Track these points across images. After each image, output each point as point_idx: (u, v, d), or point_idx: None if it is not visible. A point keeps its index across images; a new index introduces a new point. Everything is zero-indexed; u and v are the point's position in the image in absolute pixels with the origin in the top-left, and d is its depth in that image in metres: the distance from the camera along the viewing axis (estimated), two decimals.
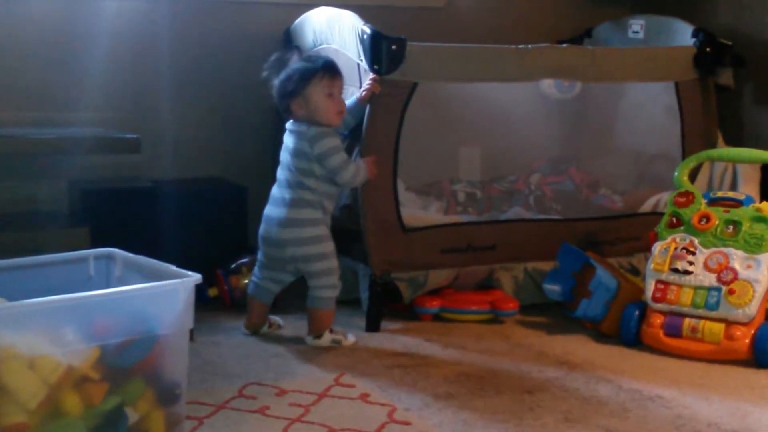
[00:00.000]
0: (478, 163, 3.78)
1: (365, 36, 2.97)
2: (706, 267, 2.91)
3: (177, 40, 3.56)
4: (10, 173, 3.34)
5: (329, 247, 2.89)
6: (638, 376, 2.69)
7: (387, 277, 3.08)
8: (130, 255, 2.31)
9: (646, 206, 3.55)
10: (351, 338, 2.93)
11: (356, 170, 2.88)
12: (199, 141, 3.65)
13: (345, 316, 3.10)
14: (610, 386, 2.60)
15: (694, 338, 2.85)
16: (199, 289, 2.23)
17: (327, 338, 2.89)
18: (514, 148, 3.70)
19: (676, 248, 2.97)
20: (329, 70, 2.87)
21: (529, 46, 3.20)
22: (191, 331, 2.19)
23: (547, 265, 3.25)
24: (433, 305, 3.16)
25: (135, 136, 3.20)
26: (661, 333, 2.89)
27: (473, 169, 3.76)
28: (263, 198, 2.96)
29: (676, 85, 3.49)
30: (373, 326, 3.06)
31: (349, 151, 2.99)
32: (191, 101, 3.62)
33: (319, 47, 3.29)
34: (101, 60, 3.42)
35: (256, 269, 2.98)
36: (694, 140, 3.50)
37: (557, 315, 3.20)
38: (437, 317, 3.17)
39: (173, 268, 2.18)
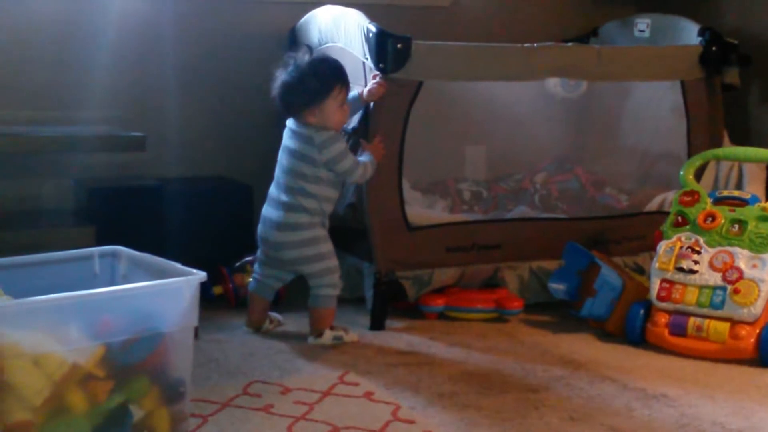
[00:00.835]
0: (484, 161, 3.78)
1: (371, 34, 2.97)
2: (712, 266, 2.90)
3: (183, 38, 3.56)
4: (16, 171, 3.35)
5: (326, 247, 2.90)
6: (643, 375, 2.68)
7: (392, 275, 3.08)
8: (135, 253, 2.32)
9: (652, 205, 3.55)
10: (353, 334, 2.93)
11: (364, 170, 2.90)
12: (204, 139, 3.65)
13: (350, 315, 3.11)
14: (614, 385, 2.60)
15: (699, 337, 2.85)
16: (204, 287, 2.22)
17: (328, 336, 2.89)
18: (520, 146, 3.69)
19: (681, 247, 2.96)
20: (345, 81, 2.89)
21: (535, 44, 3.19)
22: (196, 329, 2.19)
23: (552, 264, 3.25)
24: (438, 304, 3.16)
25: (140, 134, 3.21)
26: (666, 332, 2.89)
27: (479, 167, 3.76)
28: None
29: (682, 84, 3.48)
30: (377, 325, 3.06)
31: (353, 149, 2.99)
32: (197, 100, 3.62)
33: (325, 46, 3.29)
34: (107, 58, 3.43)
35: (256, 266, 2.99)
36: (699, 139, 3.50)
37: (562, 314, 3.20)
38: (442, 316, 3.17)
39: (178, 266, 2.18)
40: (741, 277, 2.85)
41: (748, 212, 2.96)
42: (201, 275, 2.12)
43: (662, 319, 2.90)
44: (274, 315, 3.05)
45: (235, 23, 3.65)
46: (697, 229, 2.99)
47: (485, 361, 2.77)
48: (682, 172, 3.14)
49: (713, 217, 2.98)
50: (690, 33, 3.58)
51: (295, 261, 2.89)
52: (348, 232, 3.14)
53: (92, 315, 1.97)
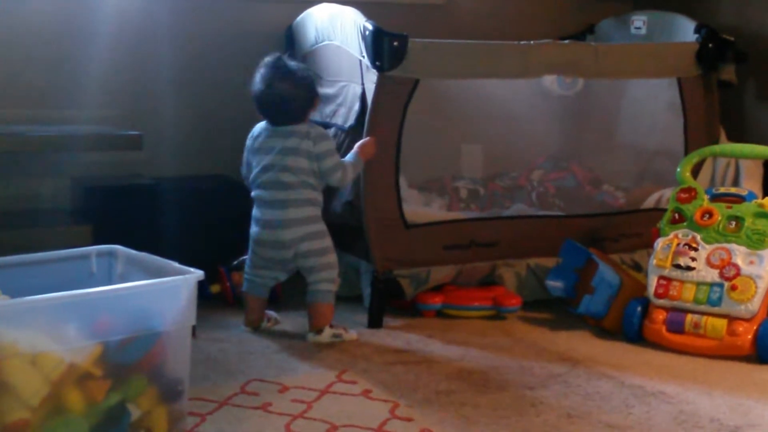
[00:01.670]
0: (481, 159, 3.78)
1: (367, 32, 2.97)
2: (709, 263, 2.91)
3: (178, 37, 3.56)
4: (13, 170, 3.35)
5: (329, 241, 2.92)
6: (640, 372, 2.69)
7: (389, 273, 3.08)
8: (132, 252, 2.32)
9: (649, 202, 3.55)
10: (352, 333, 2.93)
11: (343, 173, 2.92)
12: (200, 138, 3.65)
13: (347, 313, 3.11)
14: (612, 382, 2.60)
15: (697, 334, 2.85)
16: (201, 286, 2.23)
17: (327, 333, 2.89)
18: (517, 144, 3.69)
19: (678, 244, 2.96)
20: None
21: (531, 42, 3.19)
22: (193, 328, 2.19)
23: (549, 262, 3.25)
24: (436, 302, 3.16)
25: (137, 133, 3.20)
26: (663, 329, 2.89)
27: (475, 165, 3.75)
28: None
29: (679, 81, 3.48)
30: (375, 323, 3.06)
31: (350, 148, 2.99)
32: (193, 98, 3.62)
33: (321, 44, 3.29)
34: (103, 57, 3.42)
35: (247, 268, 2.98)
36: (696, 136, 3.50)
37: (560, 311, 3.20)
38: (439, 314, 3.17)
39: (175, 264, 2.18)
40: (738, 273, 2.85)
41: (745, 209, 2.96)
42: (198, 274, 2.12)
43: (660, 316, 2.90)
44: (272, 313, 3.05)
45: (231, 22, 3.65)
46: (694, 226, 2.99)
47: (483, 359, 2.78)
48: (679, 169, 3.14)
49: (710, 214, 2.98)
50: (686, 30, 3.58)
51: (300, 255, 2.88)
52: (345, 230, 3.13)
53: (89, 314, 1.97)
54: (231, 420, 2.29)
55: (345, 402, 2.42)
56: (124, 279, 2.28)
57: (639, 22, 3.84)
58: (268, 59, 2.95)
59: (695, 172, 3.39)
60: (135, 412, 2.04)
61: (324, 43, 3.27)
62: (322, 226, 2.91)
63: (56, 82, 3.39)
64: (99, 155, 3.42)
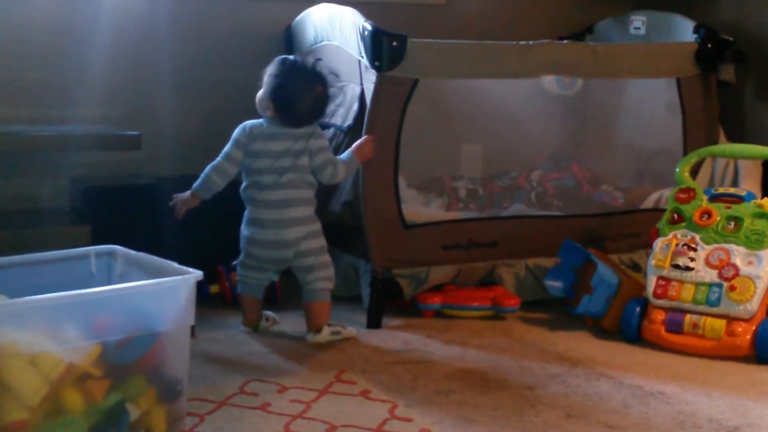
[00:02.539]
0: (480, 159, 3.78)
1: (366, 33, 2.97)
2: (708, 263, 2.91)
3: (178, 37, 3.55)
4: (12, 170, 3.34)
5: (324, 240, 2.94)
6: (639, 372, 2.69)
7: (388, 273, 3.08)
8: (132, 252, 2.32)
9: (648, 202, 3.55)
10: (351, 330, 2.93)
11: (334, 170, 2.92)
12: (199, 138, 3.64)
13: (346, 313, 3.11)
14: (611, 382, 2.60)
15: (696, 334, 2.85)
16: (201, 286, 2.22)
17: (326, 332, 2.89)
18: (516, 144, 3.70)
19: (677, 244, 2.96)
20: None
21: (530, 42, 3.19)
22: (192, 328, 2.19)
23: (548, 262, 3.25)
24: (435, 302, 3.16)
25: (136, 133, 3.20)
26: (662, 329, 2.89)
27: (474, 165, 3.76)
28: None
29: (678, 81, 3.48)
30: (374, 323, 3.06)
31: (347, 148, 3.00)
32: (192, 98, 3.61)
33: (320, 44, 3.29)
34: (102, 57, 3.42)
35: (240, 269, 2.97)
36: (695, 136, 3.50)
37: (559, 311, 3.20)
38: (438, 314, 3.17)
39: (174, 264, 2.18)
40: (737, 274, 2.85)
41: (744, 209, 2.96)
42: (197, 274, 2.12)
43: (659, 316, 2.90)
44: (270, 313, 3.05)
45: (231, 21, 3.65)
46: (693, 226, 2.99)
47: (482, 359, 2.78)
48: (677, 169, 3.14)
49: (709, 214, 2.99)
50: (685, 30, 3.58)
51: (299, 254, 2.88)
52: (344, 230, 3.14)
53: (89, 314, 1.97)
54: (230, 420, 2.29)
55: (344, 402, 2.42)
56: (123, 279, 2.28)
57: (638, 22, 3.85)
58: (307, 61, 2.94)
59: (694, 172, 3.40)
60: (134, 412, 2.04)
61: (323, 43, 3.27)
62: (319, 225, 2.93)
63: (56, 82, 3.39)
64: (98, 155, 3.41)
